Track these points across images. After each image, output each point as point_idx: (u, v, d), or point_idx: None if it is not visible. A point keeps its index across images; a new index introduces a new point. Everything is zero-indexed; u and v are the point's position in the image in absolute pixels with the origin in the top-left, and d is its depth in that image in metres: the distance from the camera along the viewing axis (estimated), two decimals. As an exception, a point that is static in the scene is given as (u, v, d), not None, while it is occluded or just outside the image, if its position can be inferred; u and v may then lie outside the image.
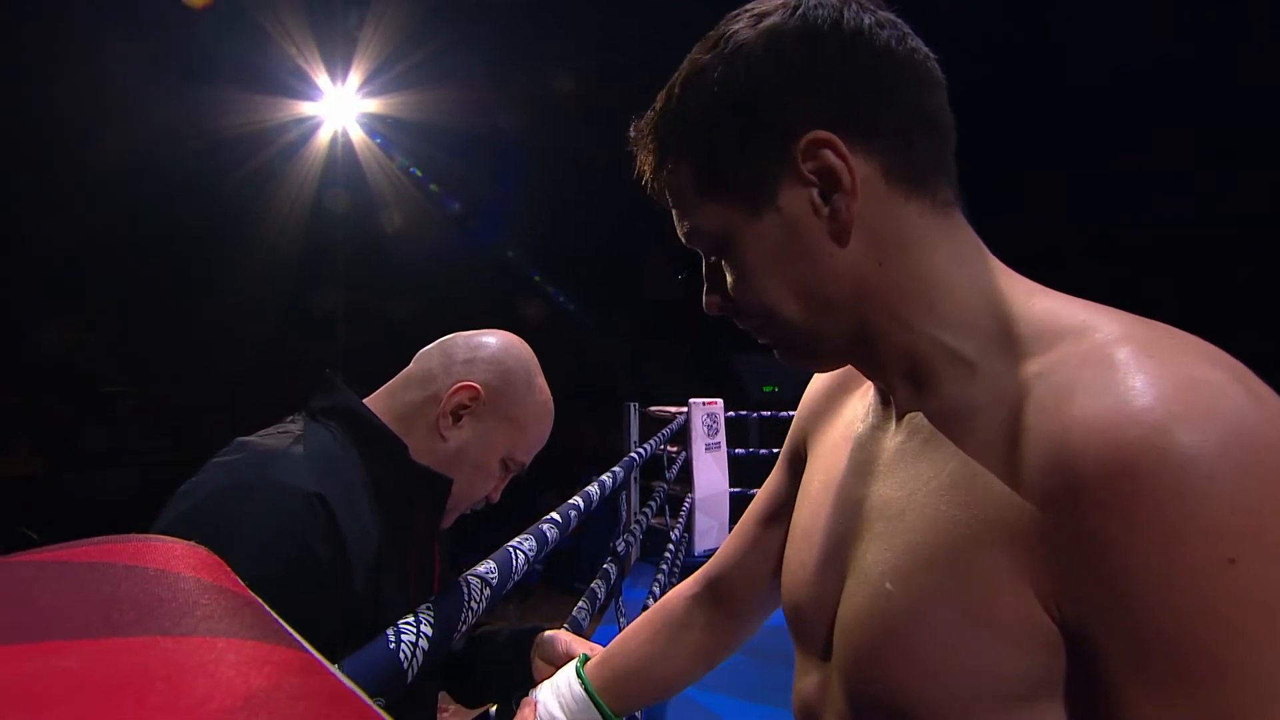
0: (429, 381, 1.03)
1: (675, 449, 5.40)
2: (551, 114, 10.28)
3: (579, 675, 0.93)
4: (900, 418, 0.62)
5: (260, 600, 0.24)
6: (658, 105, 0.63)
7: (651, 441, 3.64)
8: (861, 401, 0.71)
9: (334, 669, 0.20)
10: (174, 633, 0.18)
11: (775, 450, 5.74)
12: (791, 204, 0.57)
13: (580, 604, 1.87)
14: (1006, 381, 0.53)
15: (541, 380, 1.09)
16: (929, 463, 0.56)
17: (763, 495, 0.90)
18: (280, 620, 0.23)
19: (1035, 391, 0.50)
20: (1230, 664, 0.40)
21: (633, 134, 0.65)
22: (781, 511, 0.85)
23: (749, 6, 0.59)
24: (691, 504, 5.08)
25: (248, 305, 11.62)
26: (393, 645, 0.71)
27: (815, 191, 0.56)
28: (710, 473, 5.30)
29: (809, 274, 0.58)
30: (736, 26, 0.58)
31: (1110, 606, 0.44)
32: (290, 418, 1.00)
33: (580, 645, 1.09)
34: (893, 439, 0.62)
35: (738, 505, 5.34)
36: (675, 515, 5.11)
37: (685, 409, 5.34)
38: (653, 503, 3.80)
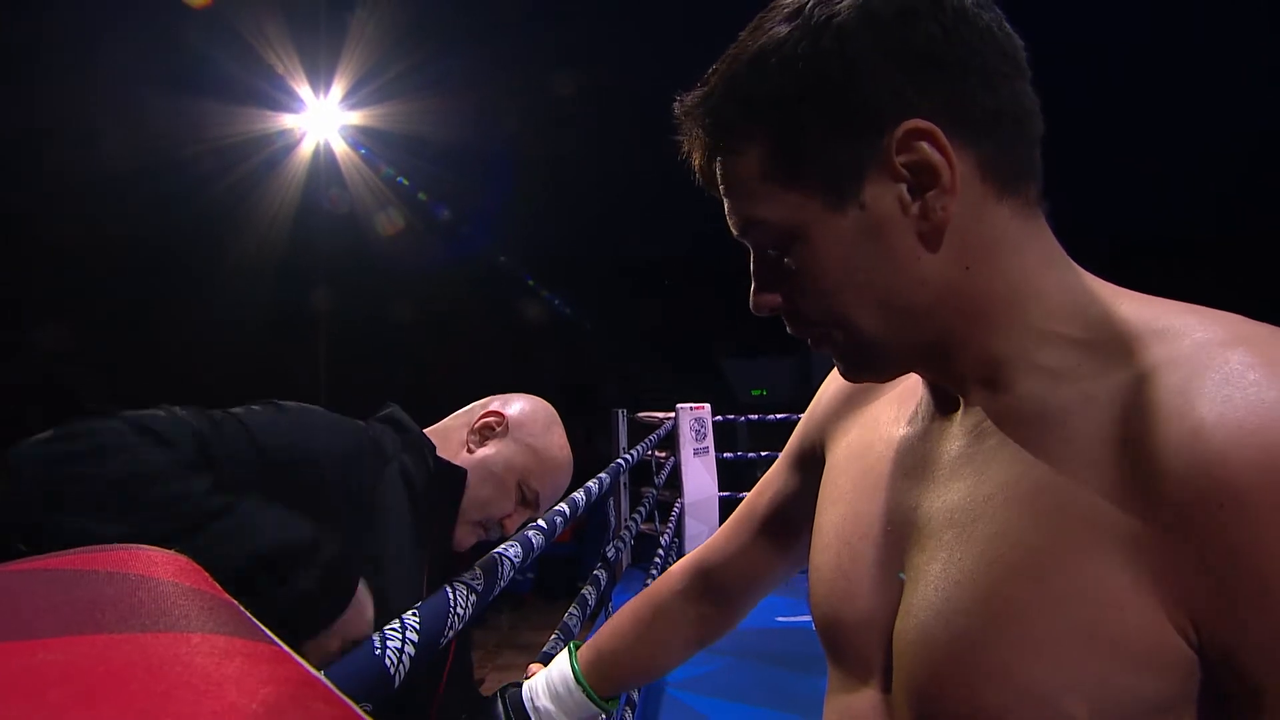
0: (468, 413, 1.28)
1: (664, 454, 5.41)
2: (537, 121, 10.31)
3: (574, 669, 0.95)
4: (959, 419, 0.58)
5: (236, 603, 0.26)
6: (717, 80, 0.55)
7: (639, 447, 3.65)
8: (896, 404, 0.67)
9: (301, 660, 0.22)
10: (153, 629, 0.20)
11: (764, 454, 5.75)
12: (878, 200, 0.51)
13: (571, 610, 1.88)
14: (1096, 386, 0.49)
15: (562, 433, 1.28)
16: (1003, 467, 0.52)
17: (764, 493, 0.88)
18: (253, 619, 0.24)
19: (1139, 396, 0.47)
20: None
21: (680, 110, 0.58)
22: (786, 512, 0.85)
23: None
24: (681, 509, 5.09)
25: (231, 319, 11.56)
26: (378, 651, 0.72)
27: (905, 187, 0.51)
28: (699, 477, 5.31)
29: (890, 279, 0.53)
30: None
31: (1270, 626, 0.41)
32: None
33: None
34: (953, 442, 0.57)
35: (727, 509, 5.35)
36: (665, 520, 5.12)
37: (672, 414, 5.35)
38: (642, 508, 3.81)
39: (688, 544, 5.10)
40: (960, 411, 0.58)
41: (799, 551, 0.85)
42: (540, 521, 1.54)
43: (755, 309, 0.60)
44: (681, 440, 5.25)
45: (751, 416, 6.09)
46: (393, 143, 11.27)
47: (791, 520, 0.85)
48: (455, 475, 1.17)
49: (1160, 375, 0.47)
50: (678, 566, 0.96)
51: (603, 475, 2.37)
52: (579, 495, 1.93)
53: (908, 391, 0.67)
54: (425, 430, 1.23)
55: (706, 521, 5.26)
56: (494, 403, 1.28)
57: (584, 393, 12.38)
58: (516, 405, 1.27)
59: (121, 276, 11.48)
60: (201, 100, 9.84)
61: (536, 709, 0.94)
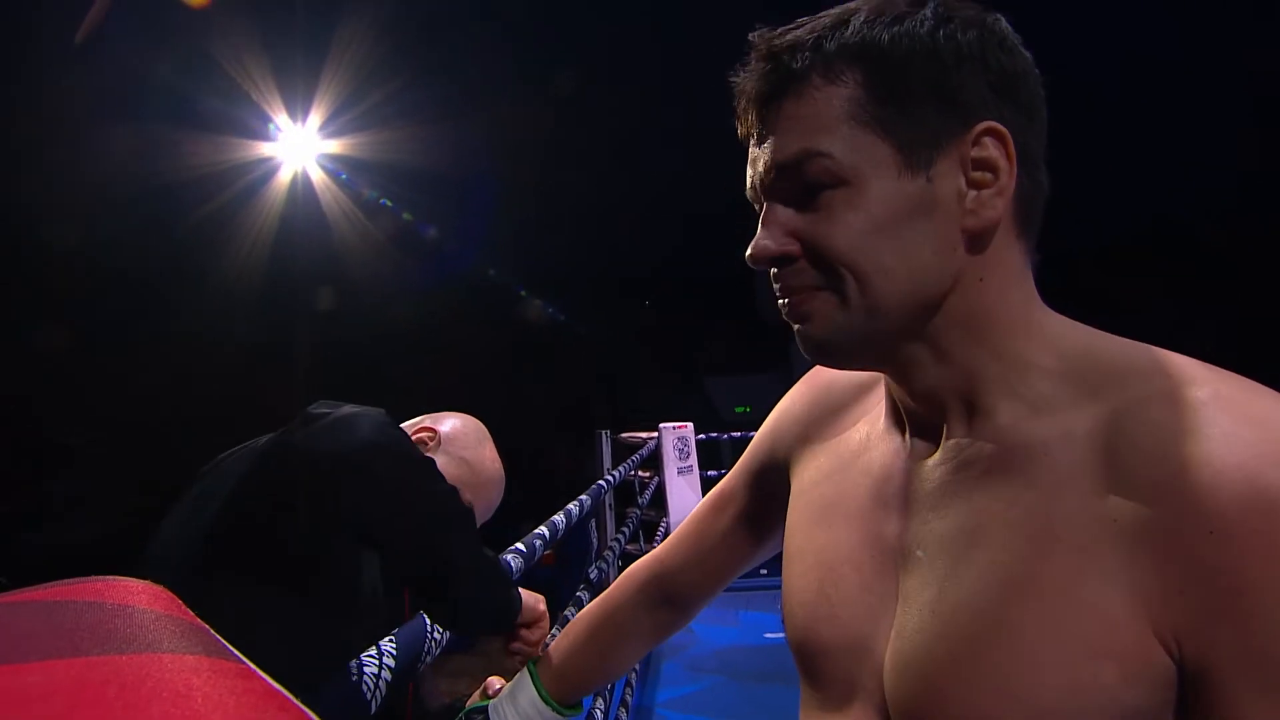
0: (403, 429, 1.25)
1: (648, 474, 5.42)
2: (513, 146, 10.36)
3: (539, 689, 0.95)
4: (938, 447, 0.60)
5: (208, 627, 0.27)
6: (826, 20, 0.57)
7: (621, 468, 3.67)
8: (865, 429, 0.69)
9: (268, 678, 0.24)
10: (128, 651, 0.22)
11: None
12: (943, 178, 0.54)
13: (554, 631, 1.89)
14: (1072, 419, 0.53)
15: (493, 448, 1.32)
16: (993, 496, 0.55)
17: (724, 509, 0.88)
18: (224, 642, 0.26)
19: (1119, 432, 0.51)
20: None
21: (762, 41, 0.58)
22: (746, 526, 0.86)
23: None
24: (667, 528, 5.10)
25: (209, 346, 11.46)
26: (355, 678, 0.73)
27: (964, 179, 0.55)
28: (684, 496, 5.32)
29: (924, 257, 0.55)
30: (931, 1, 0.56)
31: (1247, 643, 0.45)
32: None
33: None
34: (935, 470, 0.59)
35: (712, 527, 5.36)
36: (650, 540, 5.12)
37: (656, 434, 5.37)
38: (626, 528, 3.81)
39: (674, 563, 5.09)
40: (941, 439, 0.60)
41: (757, 560, 0.89)
42: (519, 545, 1.55)
43: (758, 256, 0.58)
44: (665, 460, 5.27)
45: (735, 434, 6.12)
46: (370, 169, 11.28)
47: (751, 534, 0.87)
48: None
49: (1139, 411, 0.51)
50: (632, 577, 0.96)
51: (584, 497, 2.38)
52: (559, 518, 1.94)
53: (876, 418, 0.69)
54: None
55: (692, 540, 5.25)
56: (426, 420, 1.32)
57: (567, 413, 12.36)
58: (448, 422, 1.31)
59: (98, 304, 11.35)
60: (177, 129, 9.81)
61: None
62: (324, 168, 11.21)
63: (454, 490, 0.99)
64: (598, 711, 2.23)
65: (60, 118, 9.37)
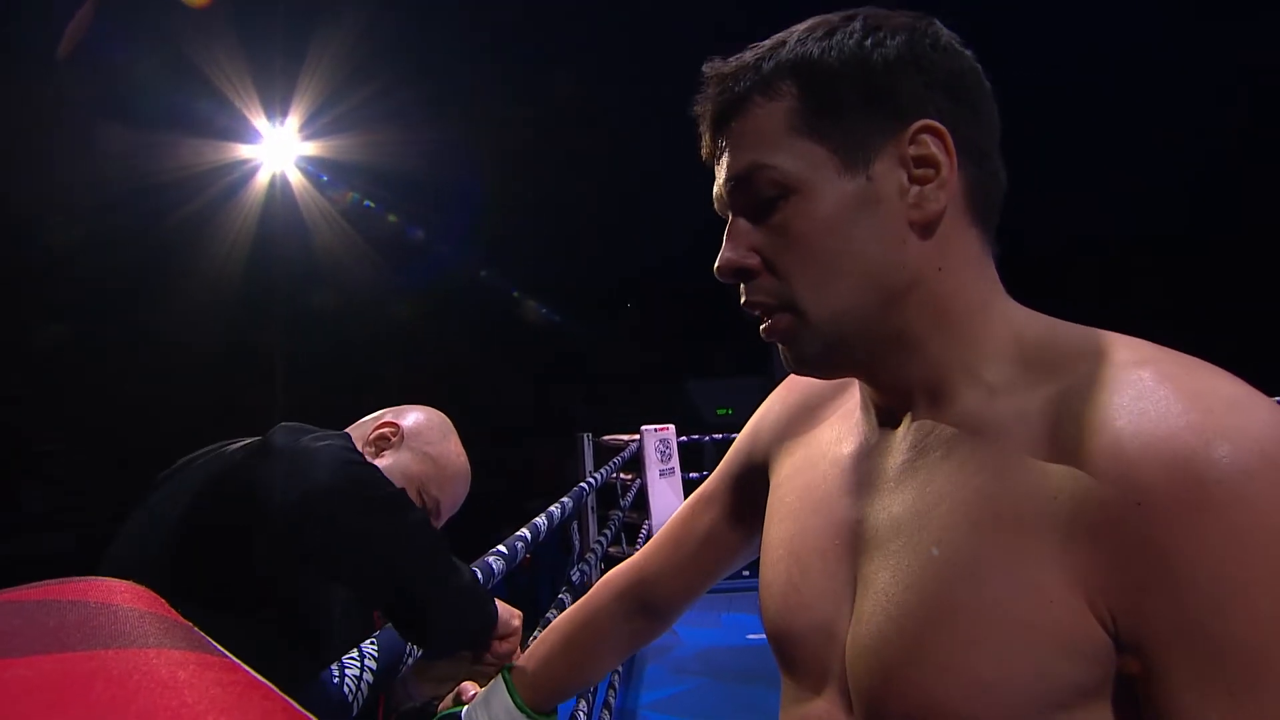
0: (362, 426, 1.26)
1: (630, 476, 5.42)
2: (494, 150, 10.34)
3: (515, 699, 0.94)
4: (902, 435, 0.62)
5: (191, 624, 0.28)
6: (765, 46, 0.61)
7: (603, 470, 3.66)
8: (839, 424, 0.71)
9: (251, 670, 0.24)
10: (114, 646, 0.22)
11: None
12: (884, 177, 0.57)
13: (535, 634, 1.88)
14: (1028, 401, 0.55)
15: (458, 442, 1.28)
16: (947, 478, 0.57)
17: (703, 514, 0.89)
18: (206, 637, 0.27)
19: (1066, 410, 0.52)
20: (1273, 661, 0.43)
21: (712, 70, 0.62)
22: (727, 531, 0.86)
23: (858, 9, 0.60)
24: (649, 530, 5.10)
25: (187, 354, 11.33)
26: (336, 680, 0.73)
27: (905, 177, 0.57)
28: (666, 498, 5.32)
29: (874, 253, 0.57)
30: (860, 11, 0.60)
31: (1176, 614, 0.45)
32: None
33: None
34: (897, 455, 0.62)
35: (695, 529, 5.36)
36: (632, 543, 5.12)
37: (637, 436, 5.37)
38: (608, 531, 3.81)
39: (656, 565, 5.09)
40: (904, 425, 0.62)
41: (737, 564, 0.89)
42: (501, 547, 1.55)
43: (723, 269, 0.62)
44: (647, 462, 5.27)
45: (716, 436, 6.13)
46: (349, 170, 11.23)
47: (731, 537, 0.86)
48: None
49: (1084, 392, 0.52)
50: (611, 584, 0.96)
51: (565, 500, 2.38)
52: (540, 520, 1.94)
53: (849, 413, 0.71)
54: None
55: (674, 542, 5.25)
56: (388, 414, 1.28)
57: (549, 416, 12.33)
58: (411, 416, 1.27)
59: (79, 307, 11.20)
60: (156, 131, 9.70)
61: None
62: (303, 170, 11.14)
63: (422, 521, 0.94)
64: (580, 714, 2.23)
65: (37, 122, 9.25)
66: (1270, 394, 0.54)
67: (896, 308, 0.58)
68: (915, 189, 0.57)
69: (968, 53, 0.60)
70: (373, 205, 11.98)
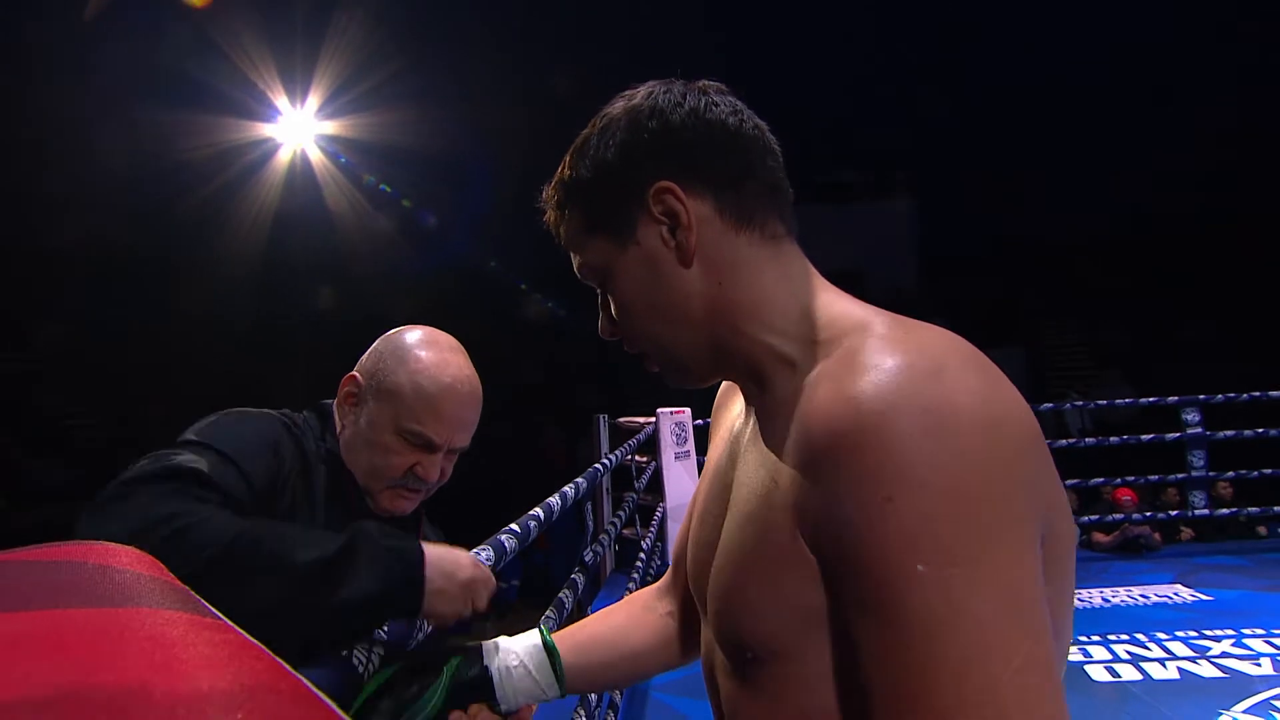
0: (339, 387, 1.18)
1: (645, 459, 5.44)
2: (512, 130, 10.31)
3: (544, 637, 0.92)
4: (753, 412, 0.74)
5: (186, 587, 0.28)
6: (557, 173, 0.77)
7: (618, 451, 3.67)
8: (741, 407, 0.83)
9: (243, 632, 0.24)
10: (107, 605, 0.22)
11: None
12: (648, 239, 0.71)
13: (548, 613, 1.90)
14: (809, 373, 0.64)
15: (427, 351, 1.13)
16: (758, 444, 0.69)
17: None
18: (201, 599, 0.26)
19: (814, 377, 0.63)
20: (889, 580, 0.51)
21: (542, 196, 0.79)
22: None
23: (624, 93, 0.75)
24: (663, 513, 5.12)
25: (208, 330, 11.45)
26: (345, 652, 0.74)
27: (664, 228, 0.70)
28: (681, 481, 5.34)
29: (666, 295, 0.71)
30: (612, 107, 0.74)
31: (832, 545, 0.55)
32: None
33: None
34: (749, 429, 0.73)
35: (709, 512, 5.36)
36: (646, 525, 5.14)
37: (653, 419, 5.38)
38: (621, 513, 3.83)
39: (670, 548, 5.12)
40: (751, 405, 0.74)
41: None
42: (514, 525, 1.55)
43: (600, 334, 0.78)
44: (662, 444, 5.28)
45: (732, 420, 6.11)
46: (368, 151, 11.25)
47: None
48: (332, 460, 1.12)
49: (828, 360, 0.63)
50: (646, 589, 1.04)
51: (580, 480, 2.39)
52: (554, 500, 1.95)
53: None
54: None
55: (688, 525, 5.26)
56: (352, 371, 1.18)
57: (567, 398, 12.36)
58: (368, 355, 1.16)
59: (99, 286, 11.33)
60: (177, 110, 9.76)
61: (508, 669, 0.90)
62: (322, 148, 11.18)
63: (267, 562, 0.82)
64: (591, 695, 2.24)
65: (60, 104, 9.33)
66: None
67: (706, 326, 0.71)
68: (670, 238, 0.70)
69: (690, 100, 0.72)
70: (391, 186, 12.01)
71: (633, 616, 1.00)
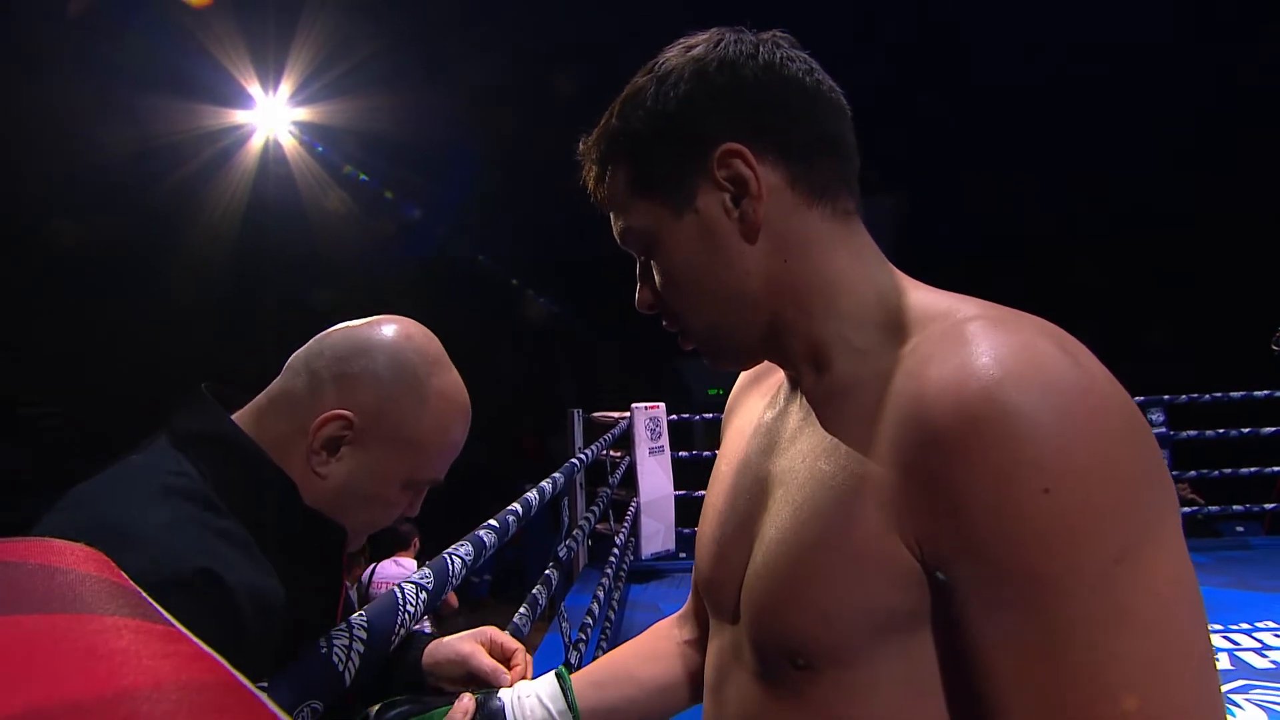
0: (295, 408, 0.83)
1: (619, 454, 5.42)
2: (489, 119, 10.22)
3: (560, 676, 0.88)
4: (799, 400, 0.69)
5: (138, 588, 0.25)
6: (601, 122, 0.69)
7: (593, 446, 3.65)
8: (770, 394, 0.78)
9: (196, 639, 0.22)
10: (44, 611, 0.20)
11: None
12: (708, 206, 0.64)
13: (521, 610, 1.87)
14: (886, 360, 0.60)
15: (441, 380, 0.88)
16: (817, 431, 0.64)
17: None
18: (153, 603, 0.24)
19: (904, 364, 0.58)
20: (1050, 580, 0.47)
21: (580, 148, 0.72)
22: None
23: (681, 40, 0.67)
24: (637, 508, 5.10)
25: (181, 315, 11.24)
26: (324, 650, 0.71)
27: (727, 196, 0.64)
28: (654, 476, 5.32)
29: (724, 270, 0.65)
30: (669, 55, 0.66)
31: (958, 540, 0.51)
32: (148, 442, 0.82)
33: (465, 644, 0.97)
34: (793, 419, 0.69)
35: (683, 508, 5.37)
36: (620, 520, 5.12)
37: (628, 414, 5.36)
38: (595, 508, 3.81)
39: (644, 543, 5.12)
40: (798, 391, 0.70)
41: None
42: (493, 521, 1.53)
43: (637, 305, 0.73)
44: (636, 439, 5.26)
45: (707, 415, 6.12)
46: (342, 138, 11.08)
47: None
48: (333, 534, 0.85)
49: (920, 347, 0.58)
50: (668, 619, 0.98)
51: (556, 475, 2.36)
52: (532, 495, 1.92)
53: (775, 382, 0.78)
54: (255, 440, 0.82)
55: (662, 520, 5.27)
56: (326, 391, 0.83)
57: (540, 392, 12.31)
58: (362, 386, 0.83)
59: (71, 272, 11.07)
60: (149, 96, 9.54)
61: (519, 698, 0.86)
62: (295, 135, 10.99)
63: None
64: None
65: (30, 91, 9.07)
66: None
67: (761, 304, 0.65)
68: (734, 206, 0.64)
69: (760, 58, 0.64)
70: (366, 171, 11.86)
71: (648, 645, 0.93)
